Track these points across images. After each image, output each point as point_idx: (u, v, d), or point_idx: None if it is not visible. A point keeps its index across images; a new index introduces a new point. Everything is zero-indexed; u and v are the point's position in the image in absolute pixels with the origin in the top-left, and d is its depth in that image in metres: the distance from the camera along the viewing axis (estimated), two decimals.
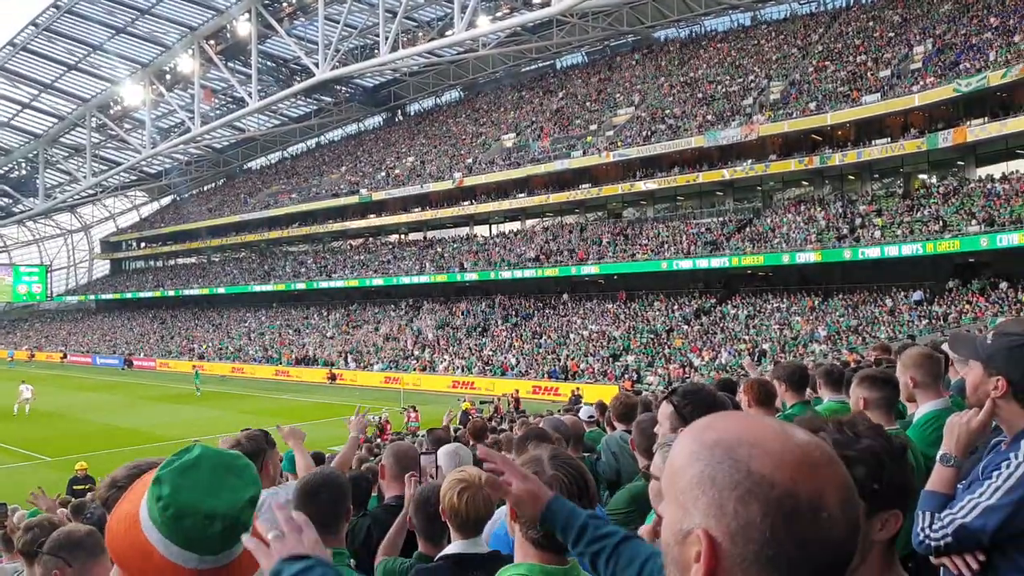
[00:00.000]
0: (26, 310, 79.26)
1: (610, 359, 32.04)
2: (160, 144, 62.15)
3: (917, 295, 27.37)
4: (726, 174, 34.76)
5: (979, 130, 27.46)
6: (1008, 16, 29.65)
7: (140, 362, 53.70)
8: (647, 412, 3.71)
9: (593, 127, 42.46)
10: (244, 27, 52.43)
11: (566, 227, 42.28)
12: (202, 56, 54.82)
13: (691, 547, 0.74)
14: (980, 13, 31.16)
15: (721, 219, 35.36)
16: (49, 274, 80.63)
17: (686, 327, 32.11)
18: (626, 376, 29.97)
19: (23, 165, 72.91)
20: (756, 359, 27.63)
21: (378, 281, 47.63)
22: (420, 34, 50.15)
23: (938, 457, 2.11)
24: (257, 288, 55.26)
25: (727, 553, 0.72)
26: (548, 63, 53.91)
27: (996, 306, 24.34)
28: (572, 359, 32.87)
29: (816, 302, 29.89)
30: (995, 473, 1.93)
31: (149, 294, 65.29)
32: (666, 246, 35.08)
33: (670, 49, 45.90)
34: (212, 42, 54.74)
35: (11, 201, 77.44)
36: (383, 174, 53.06)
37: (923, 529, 1.99)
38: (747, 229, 33.39)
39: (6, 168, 73.00)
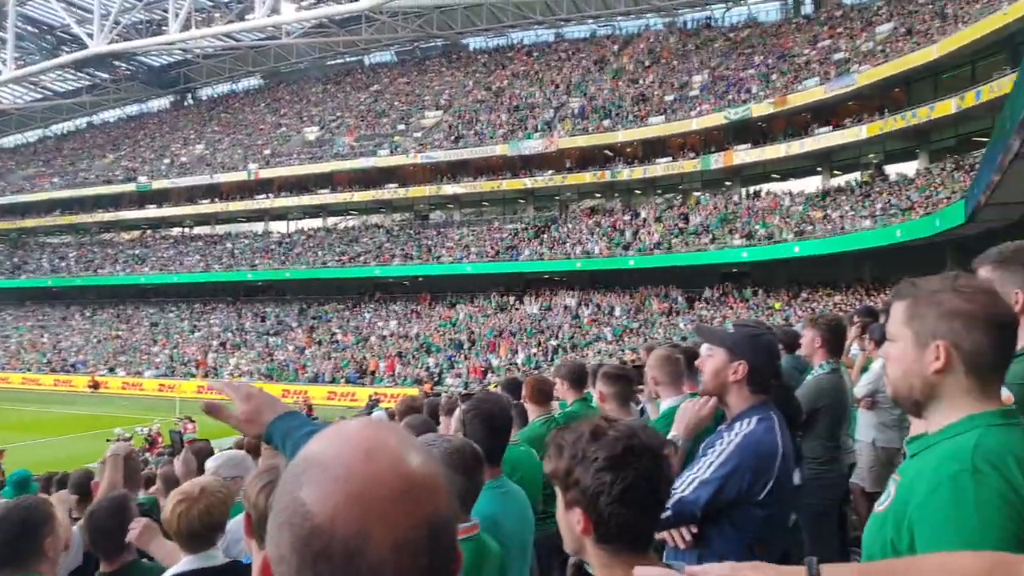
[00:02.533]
0: None
1: (412, 361, 34.39)
2: None
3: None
4: (528, 183, 38.70)
5: (743, 155, 33.32)
6: (768, 56, 36.09)
7: None
8: (418, 414, 4.29)
9: (401, 127, 44.91)
10: None
11: (371, 226, 44.23)
12: None
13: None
14: (746, 52, 37.52)
15: (522, 225, 39.16)
16: None
17: (486, 328, 35.28)
18: (427, 378, 32.32)
19: None
20: (549, 358, 31.35)
21: (153, 278, 46.42)
22: (217, 15, 49.88)
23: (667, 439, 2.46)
24: (3, 284, 51.40)
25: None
26: (356, 58, 55.75)
27: (752, 311, 29.67)
28: (373, 360, 34.84)
29: (604, 305, 34.30)
30: (710, 451, 2.28)
31: None
32: (470, 249, 38.21)
33: (479, 57, 49.69)
34: None
35: None
36: (167, 161, 51.92)
37: None
38: (545, 235, 37.35)
39: None
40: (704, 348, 2.60)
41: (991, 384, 1.44)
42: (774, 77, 34.05)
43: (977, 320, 1.41)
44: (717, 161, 33.84)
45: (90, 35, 49.50)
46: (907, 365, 1.47)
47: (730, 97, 34.35)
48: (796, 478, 4.16)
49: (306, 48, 53.20)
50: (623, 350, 29.19)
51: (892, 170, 30.59)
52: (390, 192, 42.62)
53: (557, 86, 42.35)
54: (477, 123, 41.96)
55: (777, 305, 29.96)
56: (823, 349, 4.34)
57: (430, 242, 40.22)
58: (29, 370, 42.90)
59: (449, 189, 40.97)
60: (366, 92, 50.50)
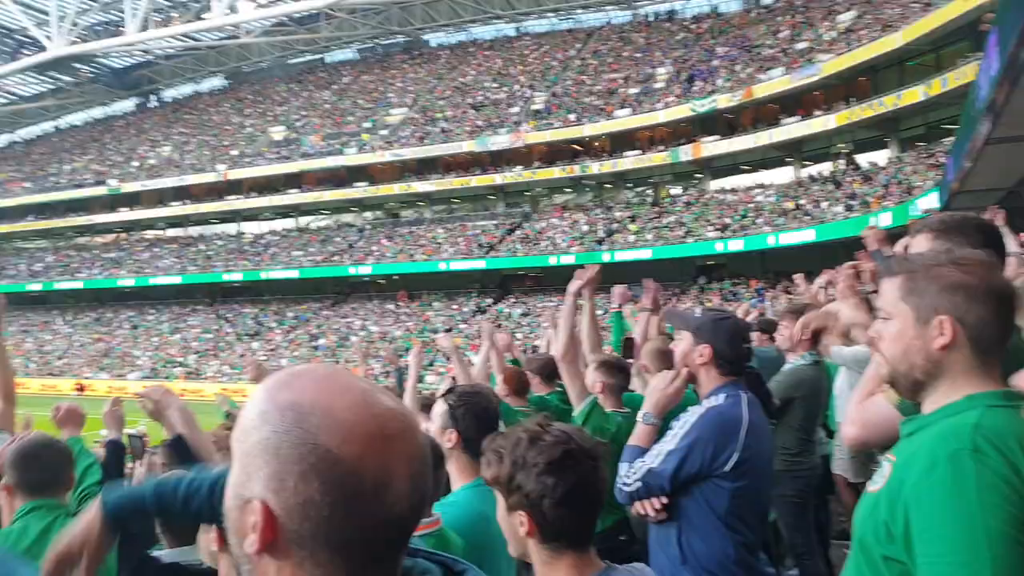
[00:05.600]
0: None
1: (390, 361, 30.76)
2: None
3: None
4: (497, 179, 34.81)
5: (712, 146, 29.91)
6: (731, 47, 32.53)
7: None
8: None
9: (367, 125, 40.48)
10: None
11: (343, 226, 39.96)
12: None
13: (249, 516, 0.68)
14: (709, 43, 33.86)
15: (494, 222, 35.36)
16: None
17: (465, 326, 31.71)
18: (405, 378, 28.93)
19: None
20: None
21: (130, 281, 41.74)
22: (175, 15, 44.76)
23: (639, 415, 2.30)
24: None
25: (284, 528, 0.67)
26: (318, 56, 50.48)
27: (728, 303, 26.62)
28: (353, 364, 31.07)
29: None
30: (676, 423, 2.19)
31: None
32: (444, 247, 34.39)
33: (440, 54, 45.03)
34: None
35: None
36: (136, 164, 46.65)
37: (621, 477, 2.16)
38: (518, 232, 33.68)
39: None
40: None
41: (993, 362, 1.23)
42: (738, 68, 30.57)
43: (979, 292, 1.21)
44: (686, 153, 30.36)
45: (48, 37, 44.45)
46: (907, 342, 1.25)
47: (695, 89, 30.81)
48: None
49: (267, 47, 47.90)
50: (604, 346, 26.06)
51: (863, 159, 27.56)
52: (360, 191, 38.32)
53: (521, 81, 38.19)
54: (443, 120, 37.74)
55: (747, 296, 26.93)
56: (806, 340, 3.87)
57: (403, 240, 36.25)
58: (15, 374, 38.06)
59: (419, 186, 36.87)
60: (329, 90, 45.58)
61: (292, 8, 40.83)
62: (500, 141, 34.14)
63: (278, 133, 43.27)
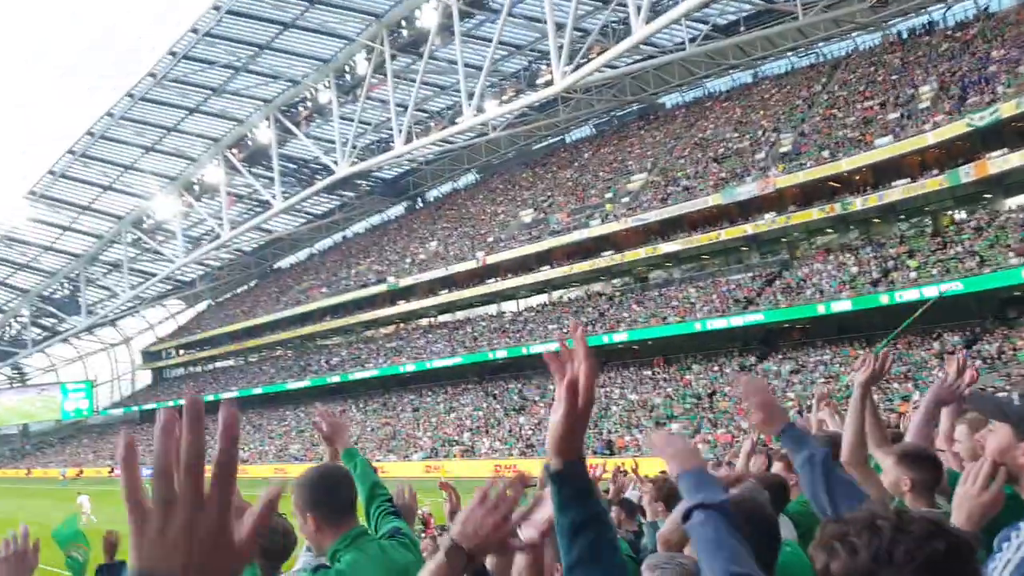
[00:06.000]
0: (74, 426, 78.46)
1: (655, 428, 30.41)
2: (192, 252, 62.66)
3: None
4: (748, 229, 33.68)
5: (1001, 161, 26.31)
6: (1010, 47, 28.81)
7: None
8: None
9: (609, 195, 41.82)
10: (264, 134, 53.41)
11: (593, 296, 41.18)
12: (226, 165, 55.72)
13: None
14: (980, 48, 30.34)
15: (750, 274, 34.08)
16: (95, 389, 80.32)
17: (729, 388, 30.51)
18: None
19: (65, 285, 73.78)
20: (804, 416, 25.99)
21: (411, 367, 46.51)
22: (432, 124, 50.57)
23: None
24: (293, 385, 54.33)
25: None
26: (558, 138, 53.79)
27: None
28: (616, 434, 31.23)
29: (859, 351, 28.26)
30: (1005, 545, 1.74)
31: None
32: (697, 306, 33.79)
33: (676, 114, 45.55)
34: (235, 150, 55.74)
35: (56, 320, 78.04)
36: (408, 260, 52.69)
37: None
38: (777, 282, 32.07)
39: (51, 289, 73.95)
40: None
41: None
42: (1022, 70, 26.90)
43: None
44: (967, 173, 26.99)
45: (335, 162, 52.28)
46: None
47: (970, 101, 27.59)
48: None
49: (511, 138, 52.12)
50: (891, 399, 23.50)
51: None
52: (607, 259, 39.34)
53: (764, 126, 37.13)
54: (684, 178, 37.75)
55: None
56: None
57: (654, 304, 36.25)
58: (321, 459, 43.83)
59: (664, 247, 36.85)
60: (571, 168, 48.10)
61: (532, 99, 44.09)
62: (747, 190, 33.20)
63: (527, 216, 46.35)
